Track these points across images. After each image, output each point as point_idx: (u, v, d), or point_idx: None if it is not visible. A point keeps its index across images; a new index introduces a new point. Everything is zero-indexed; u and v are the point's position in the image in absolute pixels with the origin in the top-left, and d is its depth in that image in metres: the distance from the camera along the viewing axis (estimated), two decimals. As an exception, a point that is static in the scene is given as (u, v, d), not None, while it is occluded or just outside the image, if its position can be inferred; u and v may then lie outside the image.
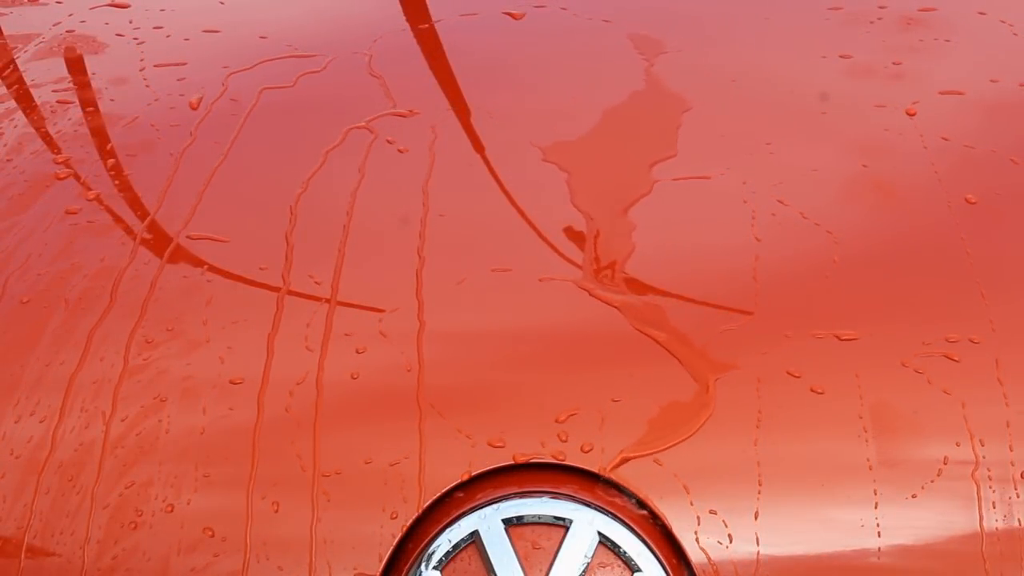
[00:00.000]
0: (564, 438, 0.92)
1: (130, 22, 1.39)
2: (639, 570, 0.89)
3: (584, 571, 0.89)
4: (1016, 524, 0.91)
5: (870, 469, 0.91)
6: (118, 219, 1.10)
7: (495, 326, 0.99)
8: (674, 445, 0.91)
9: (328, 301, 0.99)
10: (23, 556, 0.91)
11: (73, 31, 1.40)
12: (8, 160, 1.18)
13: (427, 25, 1.33)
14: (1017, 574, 0.90)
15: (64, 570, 0.91)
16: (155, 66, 1.29)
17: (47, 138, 1.21)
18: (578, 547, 0.89)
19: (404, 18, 1.35)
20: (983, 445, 0.92)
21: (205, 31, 1.36)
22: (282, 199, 1.09)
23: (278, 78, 1.25)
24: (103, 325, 1.00)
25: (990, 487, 0.91)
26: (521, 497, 0.90)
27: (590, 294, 0.99)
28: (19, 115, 1.25)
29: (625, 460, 0.91)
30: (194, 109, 1.20)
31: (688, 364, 0.94)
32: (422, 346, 0.96)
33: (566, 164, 1.11)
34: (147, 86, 1.26)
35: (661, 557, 0.89)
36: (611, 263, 1.01)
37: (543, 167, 1.11)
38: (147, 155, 1.17)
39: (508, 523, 0.90)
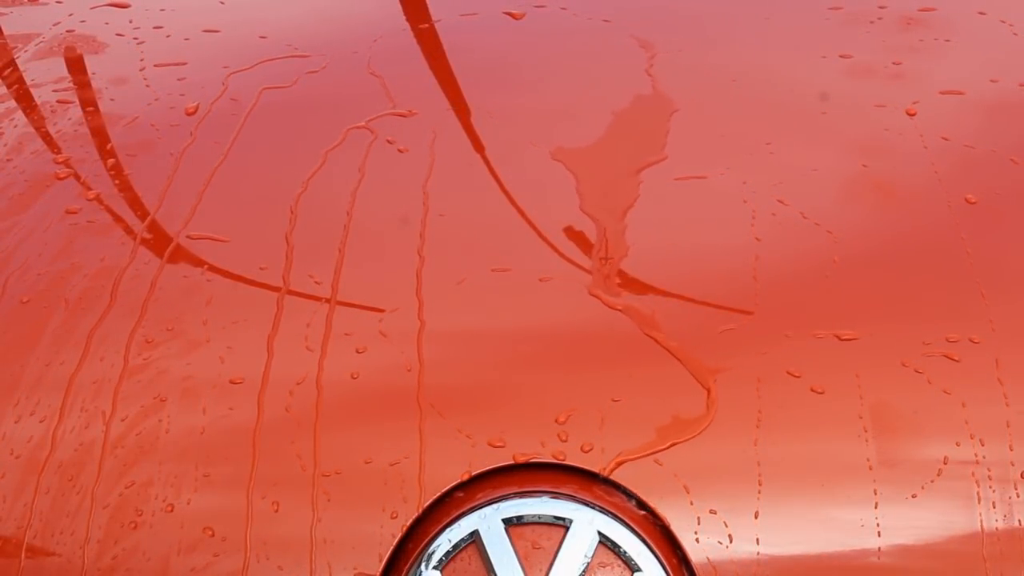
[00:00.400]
0: (564, 438, 0.92)
1: (130, 22, 1.39)
2: (639, 570, 0.89)
3: (584, 571, 0.89)
4: (1016, 524, 0.91)
5: (870, 469, 0.91)
6: (118, 219, 1.10)
7: (495, 326, 0.99)
8: (674, 445, 0.91)
9: (328, 301, 0.99)
10: (23, 556, 0.91)
11: (73, 31, 1.40)
12: (8, 160, 1.18)
13: (427, 25, 1.32)
14: (1017, 574, 0.90)
15: (64, 570, 0.91)
16: (155, 66, 1.29)
17: (47, 138, 1.21)
18: (578, 547, 0.89)
19: (404, 18, 1.35)
20: (983, 445, 0.92)
21: (205, 31, 1.36)
22: (282, 199, 1.08)
23: (278, 78, 1.25)
24: (103, 325, 1.00)
25: (990, 487, 0.91)
26: (521, 497, 0.90)
27: (590, 294, 0.99)
28: (19, 115, 1.25)
29: (625, 460, 0.91)
30: (190, 115, 1.20)
31: (688, 364, 0.94)
32: (422, 346, 0.96)
33: (566, 164, 1.11)
34: (147, 86, 1.26)
35: (661, 557, 0.89)
36: (611, 263, 1.01)
37: (543, 167, 1.11)
38: (147, 155, 1.17)
39: (508, 523, 0.90)
